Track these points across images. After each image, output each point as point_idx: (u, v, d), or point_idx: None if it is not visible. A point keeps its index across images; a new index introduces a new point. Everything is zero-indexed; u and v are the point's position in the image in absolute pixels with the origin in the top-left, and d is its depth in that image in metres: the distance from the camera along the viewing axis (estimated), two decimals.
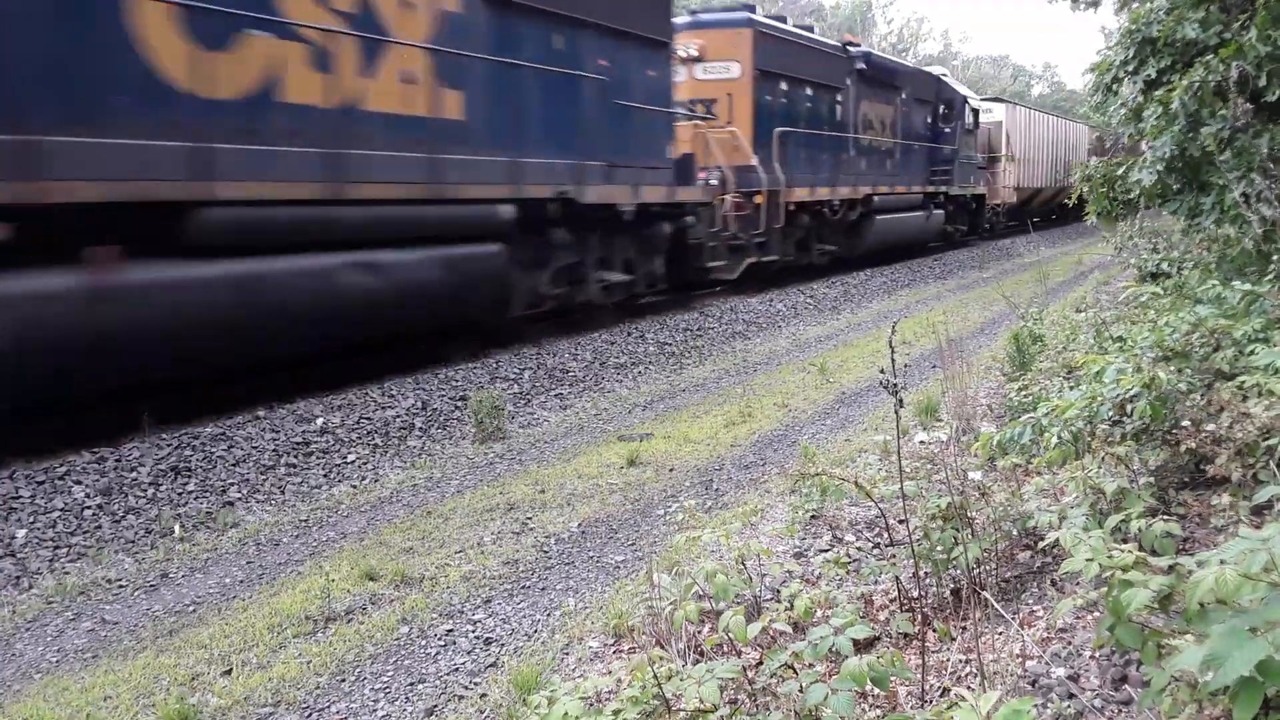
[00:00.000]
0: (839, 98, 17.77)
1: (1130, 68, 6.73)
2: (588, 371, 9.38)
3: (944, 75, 24.83)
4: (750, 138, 14.53)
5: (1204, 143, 5.67)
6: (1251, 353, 3.82)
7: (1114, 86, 7.15)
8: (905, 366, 3.29)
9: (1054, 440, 3.66)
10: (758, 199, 14.19)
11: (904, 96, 20.87)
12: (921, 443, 5.69)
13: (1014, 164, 28.32)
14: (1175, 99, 5.60)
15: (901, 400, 2.97)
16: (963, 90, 24.74)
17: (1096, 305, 9.33)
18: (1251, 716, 1.67)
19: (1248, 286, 4.86)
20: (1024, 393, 5.21)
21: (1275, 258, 5.28)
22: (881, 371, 2.91)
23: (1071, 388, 4.15)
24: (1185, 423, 3.49)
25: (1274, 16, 5.05)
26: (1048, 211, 34.29)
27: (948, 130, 23.15)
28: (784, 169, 14.99)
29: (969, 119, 24.38)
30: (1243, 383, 3.55)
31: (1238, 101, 5.36)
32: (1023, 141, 29.28)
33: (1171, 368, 3.69)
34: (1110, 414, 3.57)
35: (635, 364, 9.91)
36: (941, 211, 22.45)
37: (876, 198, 18.45)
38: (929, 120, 22.71)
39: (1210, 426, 3.39)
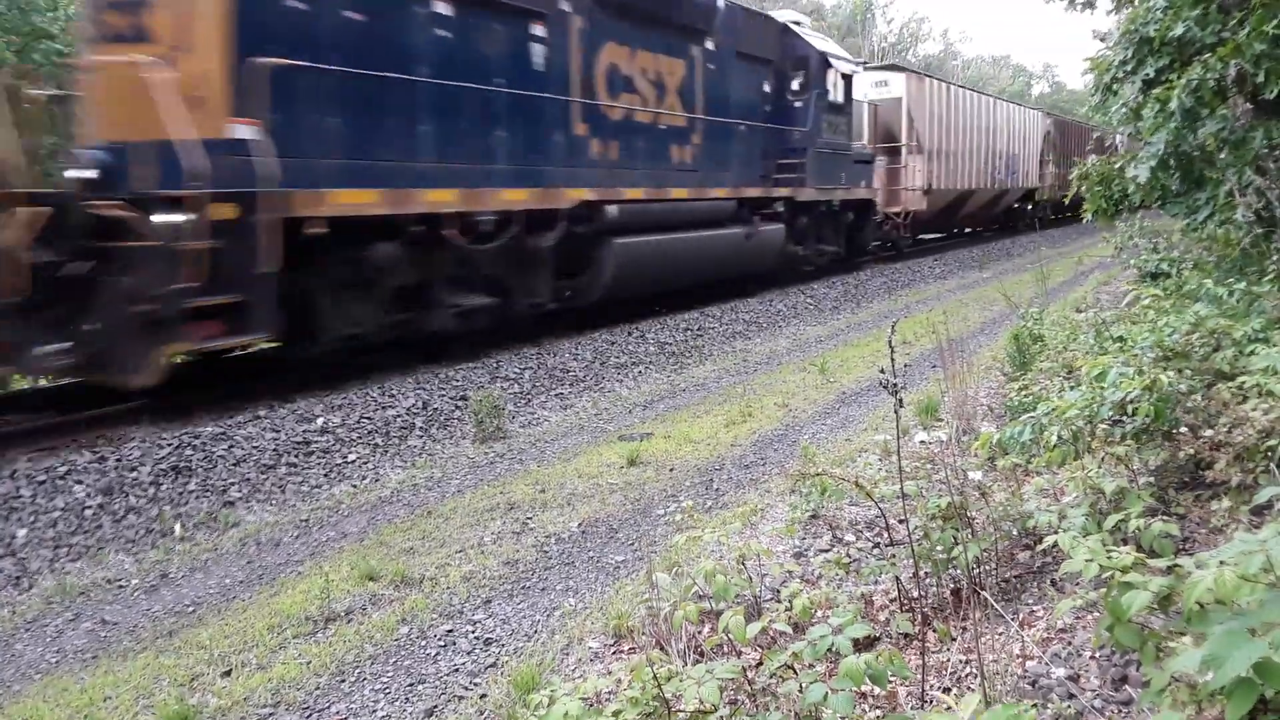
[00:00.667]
0: (538, 31, 9.71)
1: (1129, 67, 6.73)
2: (588, 371, 9.38)
3: (796, 24, 16.25)
4: (223, 80, 6.88)
5: (1203, 141, 5.68)
6: (1251, 353, 3.82)
7: (1114, 86, 7.16)
8: (905, 366, 3.29)
9: (1054, 440, 3.66)
10: (221, 213, 6.49)
11: (710, 47, 12.91)
12: (922, 443, 5.69)
13: (922, 157, 20.68)
14: (1174, 97, 5.60)
15: (901, 400, 2.97)
16: (824, 45, 16.47)
17: (1096, 305, 9.34)
18: (1245, 715, 1.67)
19: (1243, 285, 4.87)
20: (1024, 393, 5.21)
21: (1275, 257, 5.29)
22: (881, 371, 2.92)
23: (1072, 388, 4.15)
24: (1183, 429, 3.49)
25: (1270, 14, 5.05)
26: (988, 220, 27.79)
27: (799, 105, 15.19)
28: (302, 146, 7.24)
29: (836, 89, 16.12)
30: (1242, 383, 3.55)
31: (1237, 101, 5.36)
32: (937, 127, 21.50)
33: (1172, 370, 3.69)
34: (1110, 414, 3.57)
35: (635, 364, 9.91)
36: (781, 226, 14.52)
37: (613, 207, 10.63)
38: (765, 89, 14.78)
39: (1208, 432, 3.39)
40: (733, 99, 13.66)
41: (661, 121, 11.98)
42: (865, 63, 21.62)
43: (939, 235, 25.87)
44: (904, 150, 20.49)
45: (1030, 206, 29.92)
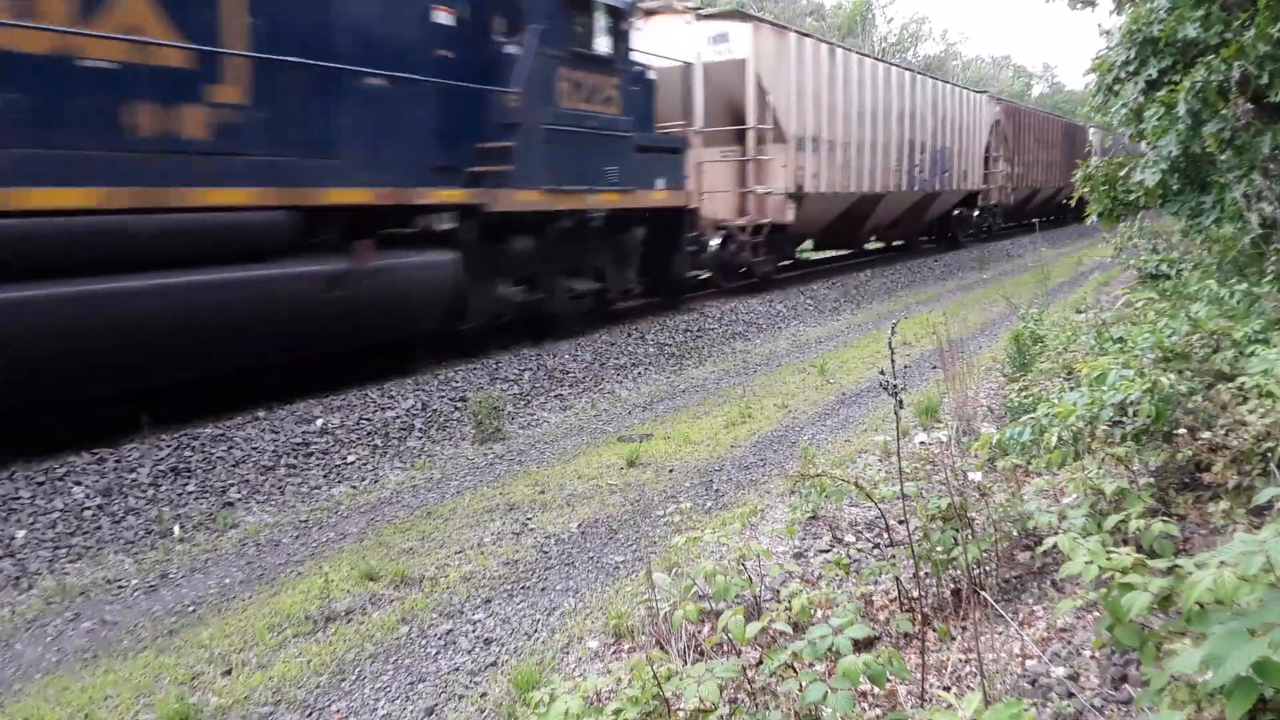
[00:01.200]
0: None
1: (1131, 68, 6.73)
2: (587, 372, 9.38)
3: None
4: None
5: (1205, 143, 5.68)
6: (1251, 354, 3.82)
7: (1115, 87, 7.16)
8: (905, 367, 3.30)
9: (1054, 441, 3.66)
10: None
11: None
12: (922, 443, 5.70)
13: (786, 148, 14.40)
14: (1180, 100, 5.60)
15: (901, 401, 2.97)
16: None
17: (1096, 306, 9.34)
18: (1244, 714, 1.67)
19: (1244, 286, 4.87)
20: (1024, 393, 5.21)
21: (1275, 258, 5.29)
22: (881, 372, 2.92)
23: (1072, 389, 4.15)
24: (1181, 430, 3.49)
25: (1274, 16, 5.05)
26: (912, 232, 21.52)
27: (511, 52, 9.09)
28: None
29: (591, 30, 10.10)
30: (1242, 384, 3.55)
31: (1238, 101, 5.36)
32: (811, 106, 15.09)
33: (1172, 371, 3.69)
34: (1110, 415, 3.57)
35: (635, 365, 9.91)
36: (448, 257, 8.43)
37: None
38: (437, 19, 8.50)
39: (1206, 434, 3.39)
40: (339, 27, 7.60)
41: (87, 53, 5.82)
42: (698, 9, 14.87)
43: (844, 253, 20.12)
44: (752, 137, 14.10)
45: (975, 213, 24.28)
